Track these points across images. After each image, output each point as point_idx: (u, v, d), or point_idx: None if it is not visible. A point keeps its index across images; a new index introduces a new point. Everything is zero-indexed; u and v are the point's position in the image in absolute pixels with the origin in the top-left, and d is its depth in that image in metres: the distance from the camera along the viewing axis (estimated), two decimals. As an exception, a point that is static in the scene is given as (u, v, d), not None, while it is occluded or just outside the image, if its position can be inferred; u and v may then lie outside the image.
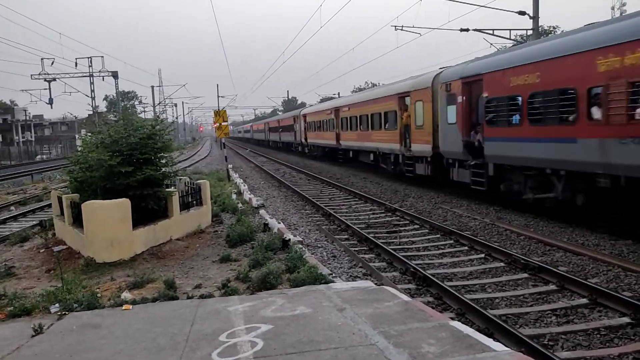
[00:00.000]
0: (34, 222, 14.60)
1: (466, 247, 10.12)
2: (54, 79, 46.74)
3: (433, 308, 6.32)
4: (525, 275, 8.14)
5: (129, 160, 9.98)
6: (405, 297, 6.21)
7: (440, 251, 10.07)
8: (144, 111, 76.70)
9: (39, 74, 45.20)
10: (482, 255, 9.45)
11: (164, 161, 11.16)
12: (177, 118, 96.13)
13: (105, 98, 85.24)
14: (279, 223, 11.65)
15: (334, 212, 14.37)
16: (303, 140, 42.68)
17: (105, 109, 75.67)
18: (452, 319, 5.87)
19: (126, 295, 6.91)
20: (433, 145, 17.27)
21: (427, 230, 11.85)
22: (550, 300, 7.06)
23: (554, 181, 11.72)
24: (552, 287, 7.51)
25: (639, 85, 9.02)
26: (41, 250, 10.73)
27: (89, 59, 47.76)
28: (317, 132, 37.07)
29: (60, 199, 11.48)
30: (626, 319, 6.16)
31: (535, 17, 21.05)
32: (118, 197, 9.44)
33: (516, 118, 12.74)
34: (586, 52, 10.22)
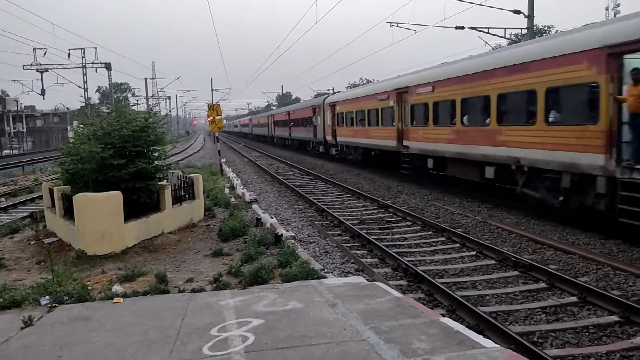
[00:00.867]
0: (25, 214, 14.49)
1: (458, 244, 10.16)
2: (47, 70, 46.35)
3: (424, 304, 6.35)
4: (516, 273, 8.20)
5: (122, 152, 9.93)
6: (396, 294, 6.24)
7: (432, 248, 10.11)
8: (137, 103, 76.23)
9: (31, 65, 44.75)
10: (474, 253, 9.50)
11: (156, 154, 11.10)
12: (170, 111, 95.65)
13: (98, 89, 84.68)
14: (272, 218, 11.64)
15: (327, 207, 14.38)
16: (329, 137, 30.94)
17: (97, 101, 75.14)
18: (443, 315, 5.90)
19: (117, 288, 6.88)
20: None
21: (419, 227, 11.89)
22: (540, 298, 7.12)
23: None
24: (542, 285, 7.57)
25: None
26: (32, 242, 10.66)
27: (82, 50, 47.44)
28: (357, 128, 25.46)
29: (51, 191, 11.40)
30: (615, 318, 6.22)
31: (530, 16, 21.10)
32: (110, 190, 9.38)
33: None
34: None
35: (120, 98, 79.15)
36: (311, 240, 10.83)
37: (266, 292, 6.39)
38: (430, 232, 11.33)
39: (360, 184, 19.92)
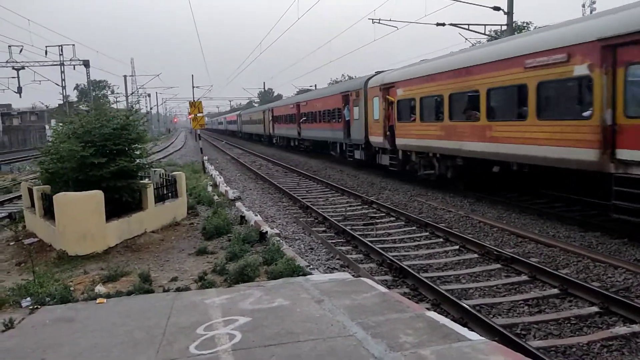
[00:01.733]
0: (3, 215, 14.18)
1: (441, 239, 10.26)
2: (23, 67, 45.46)
3: (409, 299, 6.40)
4: (498, 266, 8.31)
5: (102, 151, 9.79)
6: (382, 289, 6.27)
7: (416, 243, 10.19)
8: (117, 101, 75.13)
9: (7, 62, 43.88)
10: (457, 247, 9.60)
11: (138, 152, 10.98)
12: (151, 109, 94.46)
13: (76, 87, 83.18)
14: (256, 215, 11.59)
15: (311, 204, 14.38)
16: (377, 139, 20.09)
17: (76, 99, 73.84)
18: (428, 309, 5.96)
19: (100, 288, 6.79)
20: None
21: (403, 223, 11.97)
22: (523, 291, 7.23)
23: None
24: (524, 277, 7.68)
25: None
26: (11, 243, 10.46)
27: (60, 47, 46.69)
28: (455, 124, 14.53)
29: (30, 191, 11.20)
30: (595, 308, 6.35)
31: (509, 13, 21.36)
32: (91, 189, 9.25)
33: None
34: None
35: (99, 96, 77.84)
36: (296, 237, 10.82)
37: (252, 289, 6.37)
38: (414, 227, 11.41)
39: (344, 180, 19.96)
